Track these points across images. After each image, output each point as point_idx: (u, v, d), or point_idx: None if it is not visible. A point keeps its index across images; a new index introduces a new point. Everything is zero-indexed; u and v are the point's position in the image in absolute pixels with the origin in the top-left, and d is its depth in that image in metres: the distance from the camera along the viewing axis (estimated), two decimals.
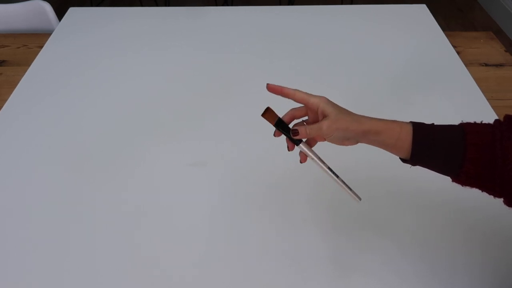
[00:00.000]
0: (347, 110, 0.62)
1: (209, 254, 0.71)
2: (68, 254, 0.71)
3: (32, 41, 1.26)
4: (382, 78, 1.06)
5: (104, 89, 1.05)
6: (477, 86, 1.02)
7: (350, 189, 0.64)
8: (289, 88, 0.63)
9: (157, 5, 2.85)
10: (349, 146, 0.63)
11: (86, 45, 1.19)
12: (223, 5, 2.68)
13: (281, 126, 0.64)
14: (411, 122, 0.60)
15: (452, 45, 1.17)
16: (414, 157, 0.59)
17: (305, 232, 0.73)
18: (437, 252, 0.70)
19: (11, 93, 1.03)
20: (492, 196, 0.55)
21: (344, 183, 0.64)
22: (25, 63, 1.13)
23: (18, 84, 1.06)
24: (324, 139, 0.63)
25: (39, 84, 1.06)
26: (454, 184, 0.56)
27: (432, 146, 0.58)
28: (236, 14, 1.33)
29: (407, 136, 0.59)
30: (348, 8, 1.42)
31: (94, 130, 0.93)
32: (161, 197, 0.80)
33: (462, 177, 0.55)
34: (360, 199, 0.63)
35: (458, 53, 1.14)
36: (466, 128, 0.56)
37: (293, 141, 0.64)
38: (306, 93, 0.63)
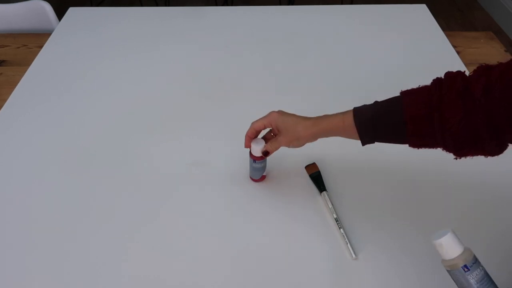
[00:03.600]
0: (294, 119, 0.70)
1: (209, 253, 0.71)
2: (68, 254, 0.71)
3: (32, 41, 1.26)
4: (382, 78, 1.06)
5: (104, 88, 1.05)
6: None
7: (349, 242, 0.71)
8: (249, 131, 0.74)
9: (157, 5, 2.85)
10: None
11: (86, 45, 1.19)
12: (223, 5, 2.68)
13: (314, 177, 0.81)
14: (353, 110, 0.64)
15: (452, 45, 1.17)
16: (365, 141, 0.64)
17: (305, 230, 0.74)
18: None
19: (11, 93, 1.03)
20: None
21: (345, 235, 0.72)
22: (25, 63, 1.13)
23: (18, 84, 1.06)
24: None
25: (39, 84, 1.06)
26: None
27: (376, 131, 0.62)
28: (236, 14, 1.33)
29: (352, 128, 0.63)
30: (348, 8, 1.42)
31: (94, 130, 0.93)
32: (161, 197, 0.79)
33: (412, 146, 0.59)
34: (355, 255, 0.69)
35: (458, 53, 1.14)
36: (403, 102, 0.58)
37: (319, 189, 0.79)
38: (260, 119, 0.73)
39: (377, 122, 0.61)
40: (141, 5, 2.69)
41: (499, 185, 0.81)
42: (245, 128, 0.74)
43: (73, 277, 0.68)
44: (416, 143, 0.58)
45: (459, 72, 0.56)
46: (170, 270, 0.69)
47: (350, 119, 0.63)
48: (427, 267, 0.68)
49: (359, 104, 0.65)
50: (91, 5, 2.81)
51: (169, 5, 2.75)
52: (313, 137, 0.69)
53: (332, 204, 0.76)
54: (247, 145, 0.75)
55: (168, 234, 0.73)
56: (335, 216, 0.74)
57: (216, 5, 2.82)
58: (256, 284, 0.67)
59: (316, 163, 0.83)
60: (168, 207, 0.78)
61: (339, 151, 0.87)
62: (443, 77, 0.57)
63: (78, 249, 0.71)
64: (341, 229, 0.72)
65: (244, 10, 1.36)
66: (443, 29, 1.24)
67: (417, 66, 1.09)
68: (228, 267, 0.69)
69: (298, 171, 0.83)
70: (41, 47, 1.18)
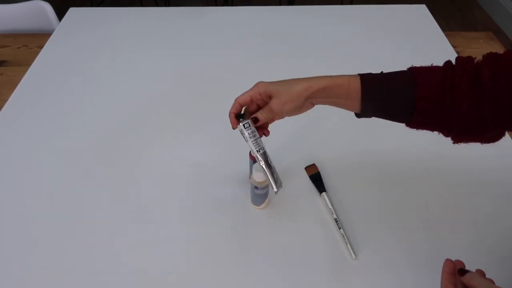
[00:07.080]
0: (288, 81, 0.63)
1: (208, 253, 0.71)
2: (68, 253, 0.71)
3: (33, 41, 1.26)
4: None
5: (104, 89, 1.05)
6: None
7: (349, 243, 0.71)
8: (232, 107, 0.65)
9: (157, 5, 2.85)
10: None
11: (86, 45, 1.19)
12: (223, 5, 2.67)
13: (314, 178, 0.80)
14: (359, 75, 0.61)
15: (452, 45, 1.17)
16: (365, 113, 0.61)
17: (305, 231, 0.74)
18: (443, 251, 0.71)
19: (11, 93, 1.03)
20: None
21: (345, 235, 0.71)
22: (26, 63, 1.13)
23: (19, 84, 1.06)
24: (283, 116, 0.65)
25: (39, 84, 1.06)
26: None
27: (382, 101, 0.59)
28: (236, 14, 1.33)
29: (356, 93, 0.60)
30: (348, 8, 1.42)
31: (94, 130, 0.94)
32: (160, 197, 0.80)
33: (412, 125, 0.59)
34: (355, 255, 0.69)
35: (457, 53, 1.15)
36: (416, 79, 0.57)
37: (319, 190, 0.78)
38: (244, 93, 0.65)
39: (385, 93, 0.59)
40: (141, 5, 2.69)
41: (500, 183, 0.81)
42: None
43: (72, 276, 0.68)
44: (419, 122, 0.58)
45: (469, 58, 0.56)
46: (168, 269, 0.69)
47: (356, 83, 0.60)
48: (427, 267, 0.68)
49: None
50: (92, 5, 2.81)
51: (169, 5, 2.75)
52: (312, 95, 0.61)
53: (332, 205, 0.76)
54: (234, 124, 0.65)
55: (166, 233, 0.74)
56: (335, 217, 0.74)
57: (216, 5, 2.82)
58: (256, 283, 0.67)
59: (316, 164, 0.83)
60: (167, 207, 0.78)
61: (339, 152, 0.87)
62: (454, 61, 0.57)
63: (77, 248, 0.72)
64: (341, 230, 0.72)
65: (244, 10, 1.36)
66: (443, 29, 1.24)
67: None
68: (226, 264, 0.69)
69: (298, 172, 0.83)
70: (41, 47, 1.18)
